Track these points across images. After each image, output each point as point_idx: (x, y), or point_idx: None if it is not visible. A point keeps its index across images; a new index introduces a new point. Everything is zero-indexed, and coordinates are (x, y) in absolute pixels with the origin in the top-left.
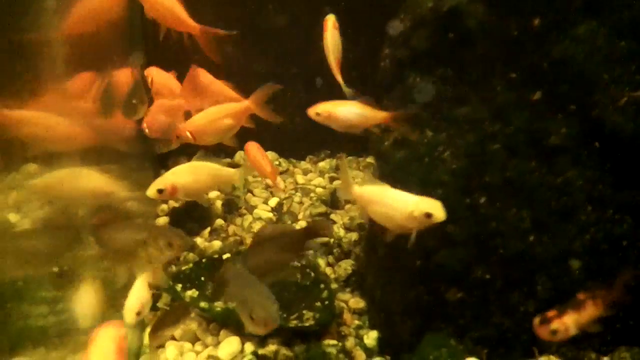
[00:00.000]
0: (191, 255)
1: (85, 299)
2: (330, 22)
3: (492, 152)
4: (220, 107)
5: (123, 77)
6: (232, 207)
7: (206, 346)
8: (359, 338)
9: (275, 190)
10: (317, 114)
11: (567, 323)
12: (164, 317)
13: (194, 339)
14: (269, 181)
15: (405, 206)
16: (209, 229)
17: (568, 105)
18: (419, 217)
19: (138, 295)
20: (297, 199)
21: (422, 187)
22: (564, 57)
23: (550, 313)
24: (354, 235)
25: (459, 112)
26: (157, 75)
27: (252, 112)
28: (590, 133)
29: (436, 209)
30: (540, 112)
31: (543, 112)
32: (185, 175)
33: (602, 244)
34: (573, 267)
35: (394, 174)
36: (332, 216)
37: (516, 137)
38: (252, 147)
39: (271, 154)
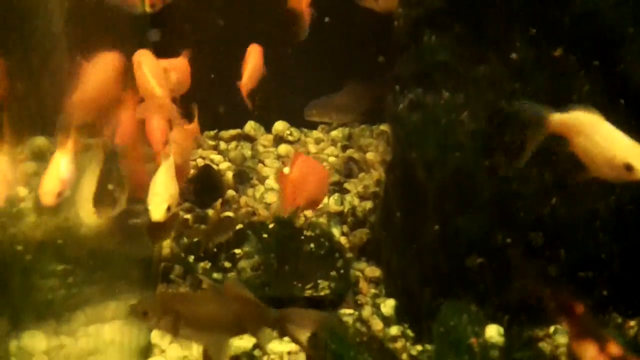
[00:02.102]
0: (203, 227)
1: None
2: None
3: (511, 112)
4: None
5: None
6: (243, 178)
7: None
8: (376, 307)
9: None
10: None
11: None
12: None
13: None
14: (280, 151)
15: (609, 149)
16: (220, 200)
17: (591, 61)
18: (617, 167)
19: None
20: None
21: (439, 151)
22: (587, 11)
23: None
24: (368, 204)
25: (477, 71)
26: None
27: None
28: (615, 90)
29: None
30: (562, 69)
31: (565, 69)
32: None
33: (628, 205)
34: (597, 230)
35: (410, 138)
36: (346, 185)
37: (537, 96)
38: (255, 50)
39: (282, 123)
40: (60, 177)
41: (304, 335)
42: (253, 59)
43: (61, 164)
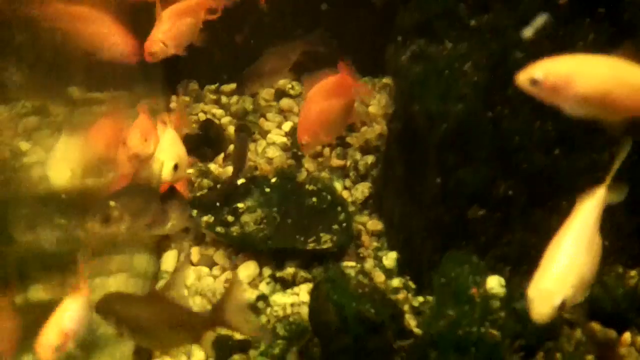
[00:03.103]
0: (205, 181)
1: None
2: None
3: (515, 61)
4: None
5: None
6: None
7: (224, 270)
8: (378, 259)
9: None
10: None
11: None
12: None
13: (212, 264)
14: (282, 105)
15: None
16: (222, 154)
17: (596, 8)
18: None
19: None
20: None
21: (441, 102)
22: None
23: None
24: (370, 158)
25: (481, 20)
26: None
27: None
28: (621, 38)
29: None
30: (566, 16)
31: (569, 17)
32: None
33: (632, 156)
34: (599, 181)
35: (412, 90)
36: (348, 139)
37: (541, 45)
38: None
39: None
40: (63, 329)
41: (241, 322)
42: None
43: (67, 313)
